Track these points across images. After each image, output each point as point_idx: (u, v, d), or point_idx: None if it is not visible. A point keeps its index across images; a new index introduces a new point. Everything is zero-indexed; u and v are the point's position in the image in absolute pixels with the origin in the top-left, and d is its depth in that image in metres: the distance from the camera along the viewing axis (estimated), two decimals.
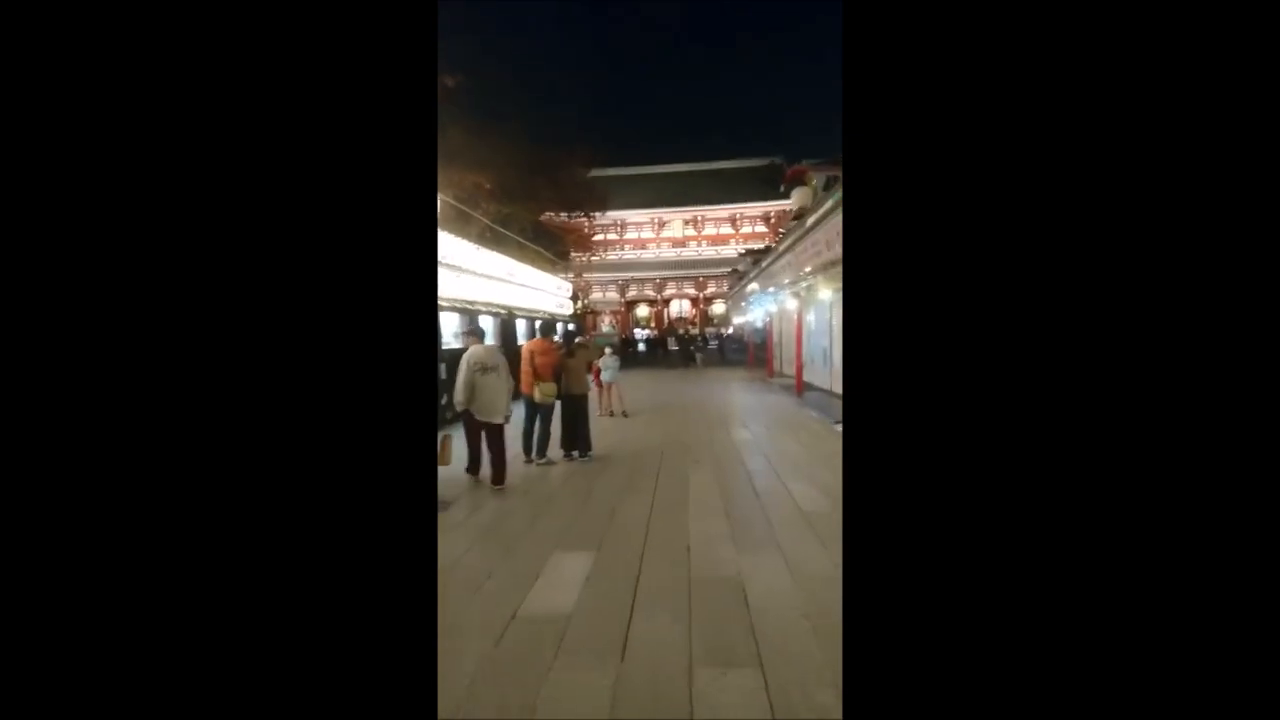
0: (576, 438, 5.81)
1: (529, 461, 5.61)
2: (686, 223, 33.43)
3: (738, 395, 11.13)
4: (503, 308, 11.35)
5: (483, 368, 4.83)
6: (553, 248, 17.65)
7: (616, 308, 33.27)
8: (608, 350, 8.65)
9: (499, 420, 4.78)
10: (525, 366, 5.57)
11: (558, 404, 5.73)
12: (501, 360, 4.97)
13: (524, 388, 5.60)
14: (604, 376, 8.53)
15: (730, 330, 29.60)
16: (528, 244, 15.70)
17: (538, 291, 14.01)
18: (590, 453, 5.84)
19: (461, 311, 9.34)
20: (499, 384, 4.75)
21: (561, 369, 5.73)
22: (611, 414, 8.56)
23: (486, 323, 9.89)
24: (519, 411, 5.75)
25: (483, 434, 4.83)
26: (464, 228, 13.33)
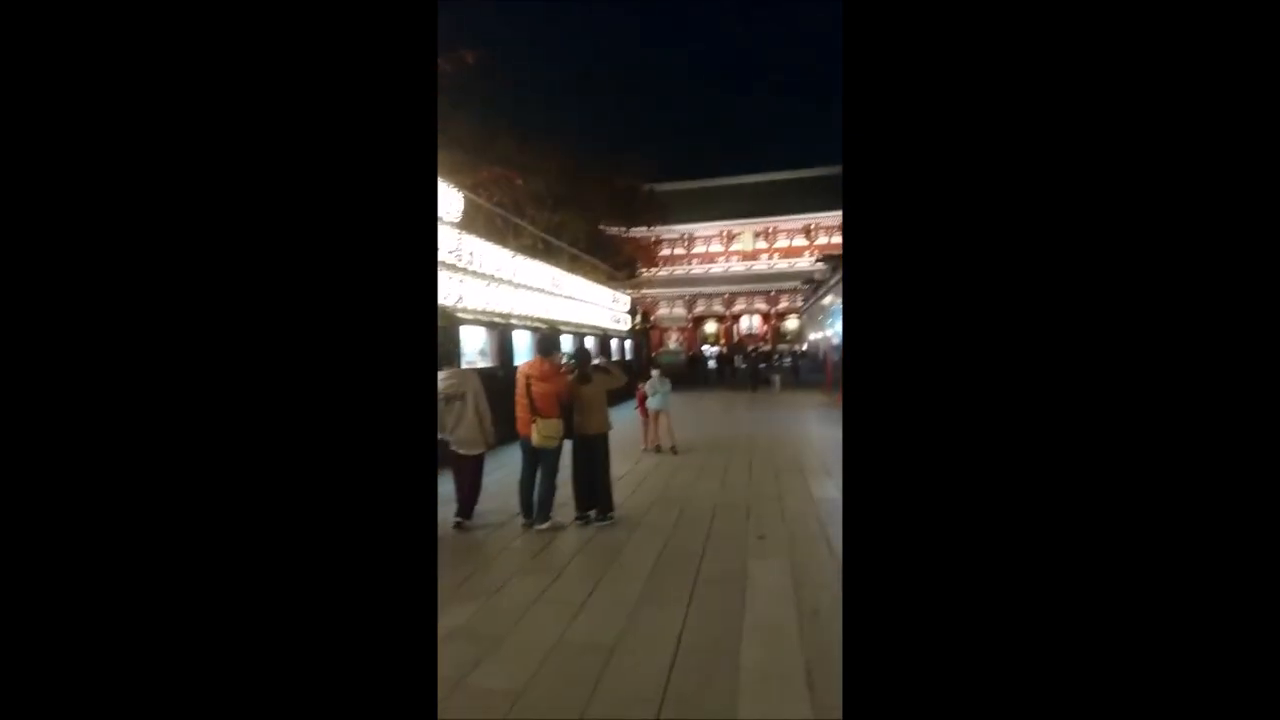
0: (593, 493, 4.17)
1: (527, 525, 4.02)
2: (757, 235, 31.53)
3: (815, 428, 9.09)
4: (542, 322, 9.95)
5: (445, 399, 3.65)
6: (610, 260, 16.23)
7: (683, 324, 31.67)
8: (655, 373, 6.97)
9: (478, 451, 4.07)
10: (520, 398, 4.01)
11: (567, 447, 4.13)
12: (472, 385, 4.01)
13: (520, 427, 4.04)
14: (650, 404, 6.85)
15: (804, 347, 27.18)
16: (581, 255, 14.39)
17: (588, 305, 12.57)
18: (612, 513, 4.17)
19: (489, 325, 8.01)
20: (467, 412, 4.00)
21: (572, 400, 4.12)
22: (659, 449, 6.86)
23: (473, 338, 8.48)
24: (515, 458, 4.19)
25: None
26: (511, 238, 12.17)
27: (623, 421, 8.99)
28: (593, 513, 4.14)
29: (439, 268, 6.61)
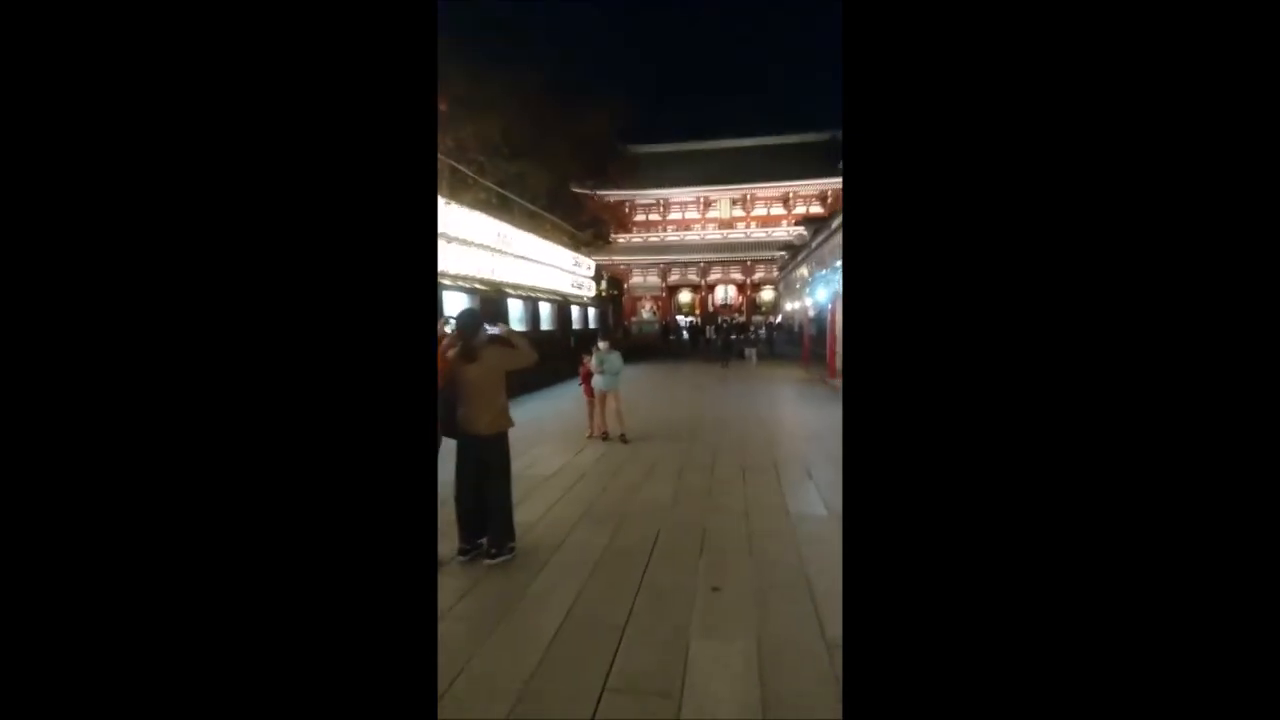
0: (483, 517, 2.92)
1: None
2: (734, 202, 29.98)
3: (791, 408, 7.96)
4: (484, 283, 8.53)
5: None
6: (573, 218, 14.67)
7: (657, 293, 30.30)
8: (601, 344, 5.67)
9: None
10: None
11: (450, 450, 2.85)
12: None
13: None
14: (596, 383, 5.58)
15: (778, 319, 26.11)
16: (541, 212, 12.84)
17: (544, 267, 11.14)
18: (512, 545, 2.94)
19: None
20: None
21: (453, 385, 2.84)
22: (605, 437, 5.63)
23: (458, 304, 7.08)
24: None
25: None
26: (458, 191, 10.57)
27: (567, 401, 7.88)
28: (483, 542, 2.91)
29: None
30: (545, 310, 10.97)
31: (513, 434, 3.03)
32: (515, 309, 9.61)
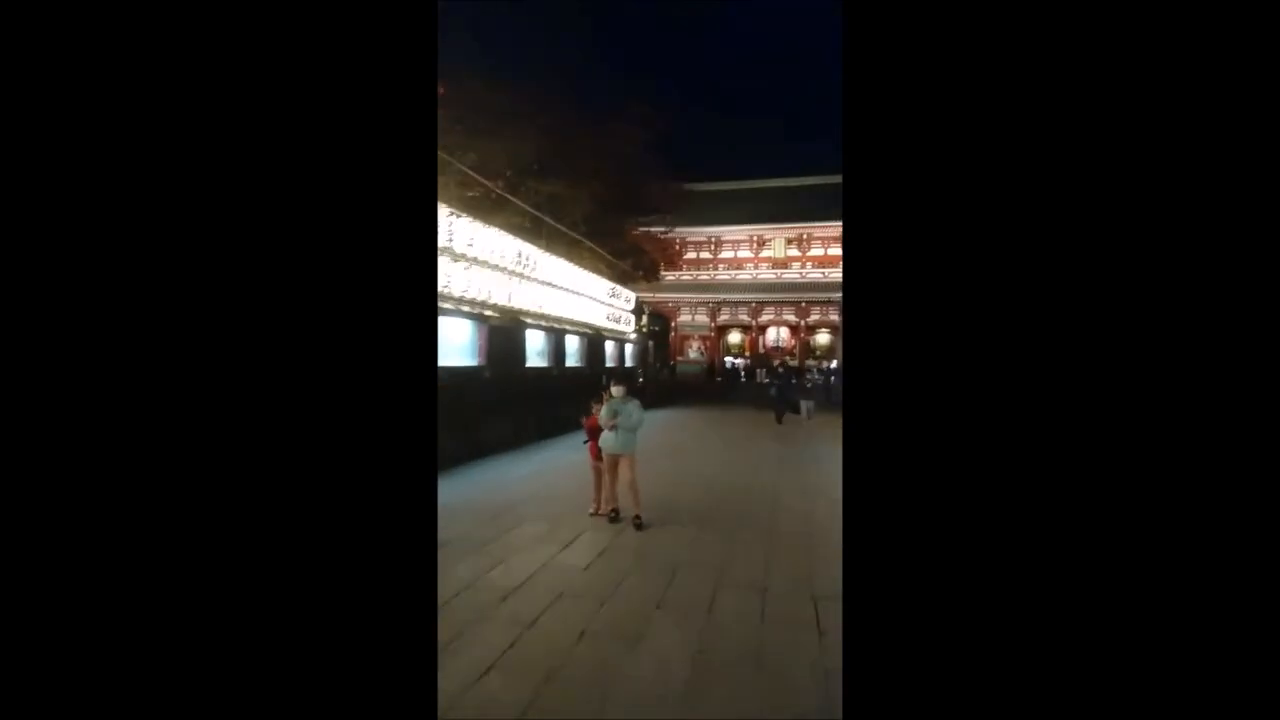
0: None
1: None
2: (789, 241, 28.38)
3: None
4: (495, 309, 7.20)
5: None
6: (612, 246, 13.37)
7: (706, 332, 28.74)
8: (614, 389, 4.05)
9: None
10: None
11: None
12: None
13: None
14: (606, 443, 3.99)
15: (835, 363, 23.91)
16: (581, 239, 11.63)
17: (575, 296, 9.79)
18: None
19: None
20: None
21: None
22: (614, 516, 4.01)
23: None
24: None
25: None
26: (494, 215, 9.47)
27: (567, 462, 5.80)
28: None
29: None
30: (573, 344, 9.58)
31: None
32: (535, 341, 8.24)
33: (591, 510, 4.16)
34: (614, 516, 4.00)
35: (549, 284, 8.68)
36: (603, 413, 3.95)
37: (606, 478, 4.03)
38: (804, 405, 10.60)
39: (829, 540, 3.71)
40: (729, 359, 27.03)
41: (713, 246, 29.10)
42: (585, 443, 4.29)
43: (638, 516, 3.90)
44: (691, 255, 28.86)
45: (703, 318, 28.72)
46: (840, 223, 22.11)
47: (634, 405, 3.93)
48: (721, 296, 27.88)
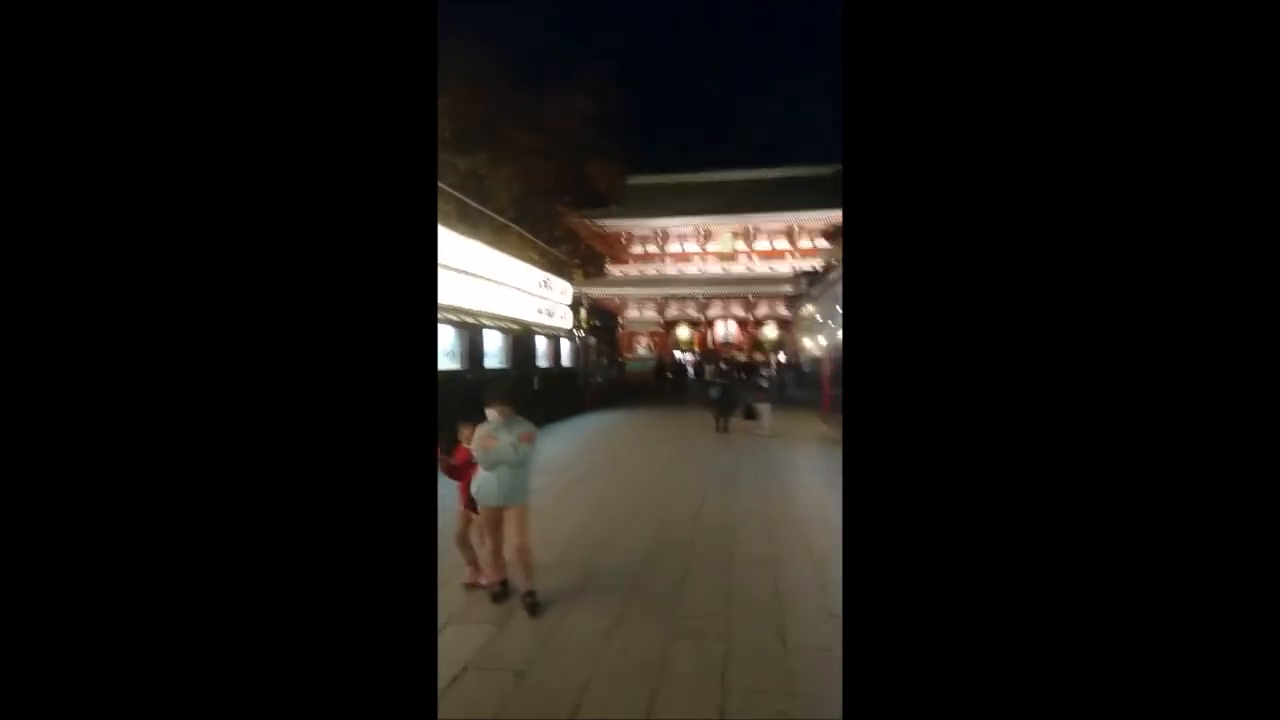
0: None
1: None
2: (736, 235, 27.65)
3: (835, 507, 5.00)
4: None
5: None
6: (545, 233, 11.92)
7: (655, 328, 27.62)
8: (491, 411, 2.64)
9: None
10: None
11: None
12: None
13: None
14: (480, 490, 2.63)
15: (783, 357, 23.23)
16: (509, 224, 10.14)
17: (496, 285, 8.34)
18: None
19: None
20: None
21: None
22: (499, 591, 2.68)
23: None
24: None
25: None
26: None
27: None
28: None
29: None
30: (495, 341, 8.14)
31: None
32: (443, 338, 6.78)
33: (465, 580, 2.82)
34: (500, 590, 2.68)
35: (461, 271, 7.22)
36: (475, 441, 2.61)
37: (485, 534, 2.70)
38: (761, 410, 8.96)
39: (803, 606, 2.51)
40: (678, 353, 25.98)
41: (659, 240, 28.04)
42: (457, 486, 2.89)
43: (530, 592, 2.60)
44: (639, 250, 27.71)
45: (651, 313, 27.61)
46: (782, 215, 21.21)
47: (522, 429, 2.60)
48: (669, 291, 26.84)
